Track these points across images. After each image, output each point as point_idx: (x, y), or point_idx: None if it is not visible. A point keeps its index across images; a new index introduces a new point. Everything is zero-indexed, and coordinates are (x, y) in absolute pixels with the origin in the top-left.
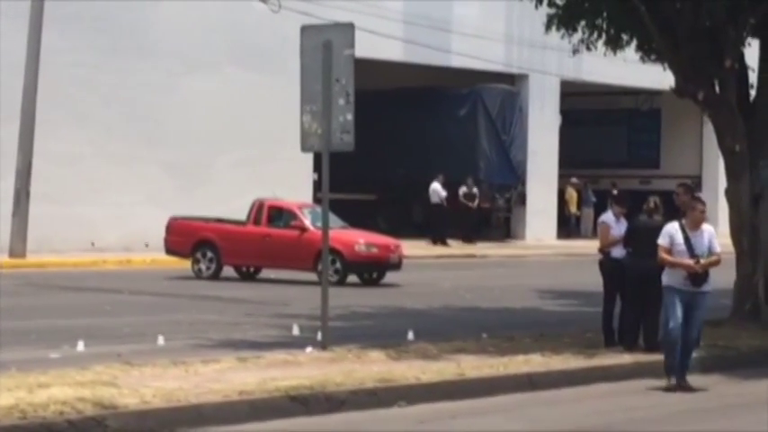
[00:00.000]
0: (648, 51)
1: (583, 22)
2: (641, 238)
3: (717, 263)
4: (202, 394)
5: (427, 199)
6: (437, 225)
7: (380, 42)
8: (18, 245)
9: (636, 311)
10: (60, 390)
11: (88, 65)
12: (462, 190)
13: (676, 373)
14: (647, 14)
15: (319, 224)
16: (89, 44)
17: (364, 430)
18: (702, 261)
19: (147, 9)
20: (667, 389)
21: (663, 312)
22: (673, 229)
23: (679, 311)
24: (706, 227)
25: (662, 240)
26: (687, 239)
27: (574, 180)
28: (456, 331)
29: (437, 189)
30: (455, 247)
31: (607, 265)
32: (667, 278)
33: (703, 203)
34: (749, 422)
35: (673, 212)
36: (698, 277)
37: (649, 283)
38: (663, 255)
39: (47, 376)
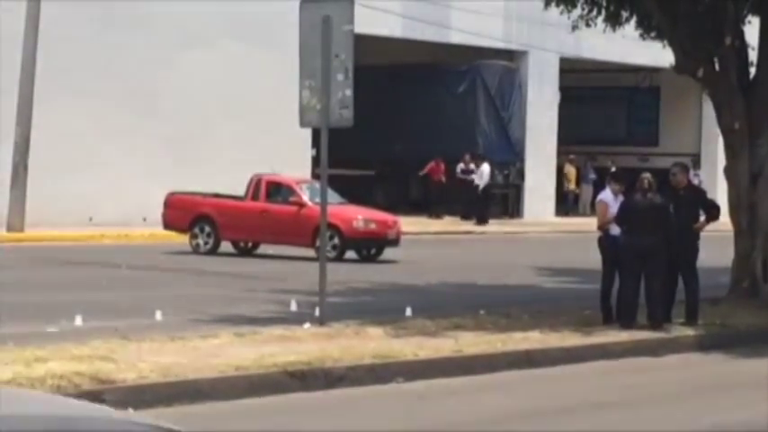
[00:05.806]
0: (648, 28)
1: None
2: (638, 216)
3: None
4: (200, 369)
5: (425, 176)
6: (480, 206)
7: (380, 18)
8: (16, 219)
9: (633, 289)
10: (58, 364)
11: (86, 38)
12: (460, 167)
13: None
14: None
15: (317, 200)
16: (87, 18)
17: (362, 406)
18: None
19: None
20: None
21: None
22: None
23: None
24: None
25: None
26: None
27: (572, 157)
28: (454, 308)
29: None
30: (452, 224)
31: (605, 242)
32: None
33: None
34: (748, 400)
35: (668, 191)
36: None
37: (647, 260)
38: None
39: (44, 350)
